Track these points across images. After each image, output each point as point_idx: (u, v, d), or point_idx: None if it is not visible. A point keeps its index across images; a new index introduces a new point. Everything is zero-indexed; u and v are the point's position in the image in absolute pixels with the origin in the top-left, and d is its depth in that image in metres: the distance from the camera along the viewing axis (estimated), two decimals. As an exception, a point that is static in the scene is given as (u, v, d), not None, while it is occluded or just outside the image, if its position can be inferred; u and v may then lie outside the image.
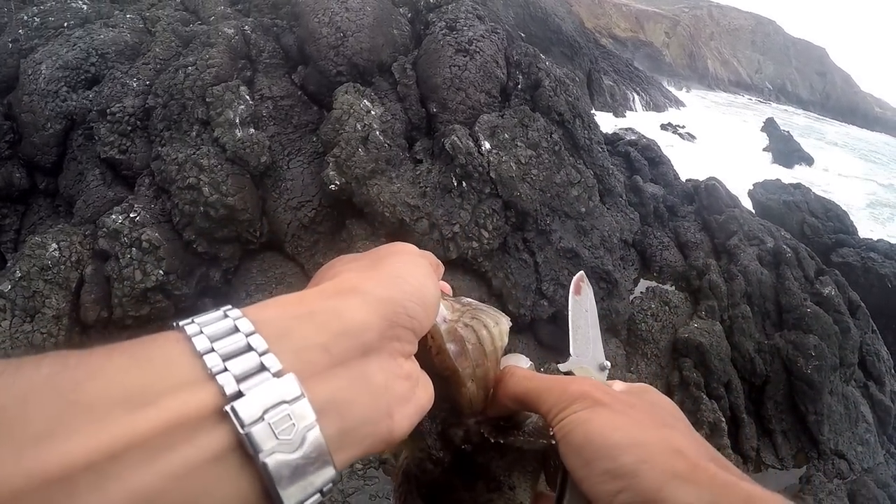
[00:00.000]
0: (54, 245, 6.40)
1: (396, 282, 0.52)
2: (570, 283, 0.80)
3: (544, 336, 6.71)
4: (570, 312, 0.79)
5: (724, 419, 7.17)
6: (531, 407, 0.62)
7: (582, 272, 0.87)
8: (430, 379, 0.56)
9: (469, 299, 0.72)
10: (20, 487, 0.26)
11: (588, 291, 0.82)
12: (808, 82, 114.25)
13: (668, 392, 7.25)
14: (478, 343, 0.64)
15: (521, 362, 0.73)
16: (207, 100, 7.77)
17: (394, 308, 0.49)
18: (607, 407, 0.53)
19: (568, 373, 0.74)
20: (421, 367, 0.55)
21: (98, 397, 0.31)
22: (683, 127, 25.25)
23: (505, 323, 0.70)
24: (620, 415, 0.52)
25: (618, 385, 0.67)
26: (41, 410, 0.29)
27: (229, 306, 0.44)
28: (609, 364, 0.80)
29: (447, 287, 0.72)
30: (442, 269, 0.71)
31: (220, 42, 8.41)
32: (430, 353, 0.62)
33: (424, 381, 0.54)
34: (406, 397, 0.49)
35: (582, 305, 0.80)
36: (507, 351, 0.77)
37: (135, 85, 8.49)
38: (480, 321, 0.66)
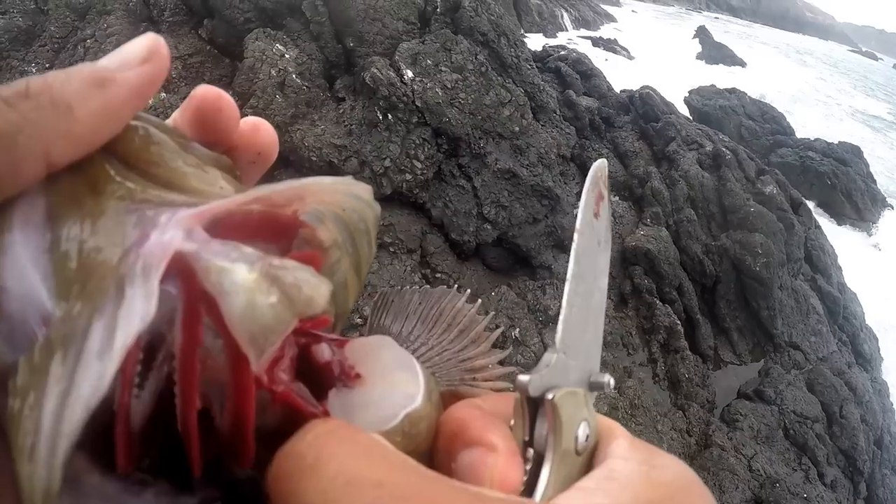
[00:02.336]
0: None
1: None
2: (584, 188, 0.44)
3: (492, 260, 6.66)
4: (574, 248, 0.42)
5: (679, 322, 7.31)
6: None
7: (603, 163, 0.49)
8: None
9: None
10: None
11: (607, 213, 0.48)
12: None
13: (622, 300, 7.33)
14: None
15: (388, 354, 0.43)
16: (111, 68, 7.31)
17: None
18: None
19: (538, 398, 0.38)
20: None
21: None
22: (615, 41, 25.07)
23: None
24: None
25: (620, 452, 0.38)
26: None
27: None
28: (609, 382, 0.44)
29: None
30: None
31: (116, 8, 7.89)
32: None
33: None
34: None
35: (595, 239, 0.45)
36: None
37: (34, 70, 7.94)
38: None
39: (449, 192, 6.38)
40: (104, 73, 0.34)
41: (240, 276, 0.28)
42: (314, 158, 6.19)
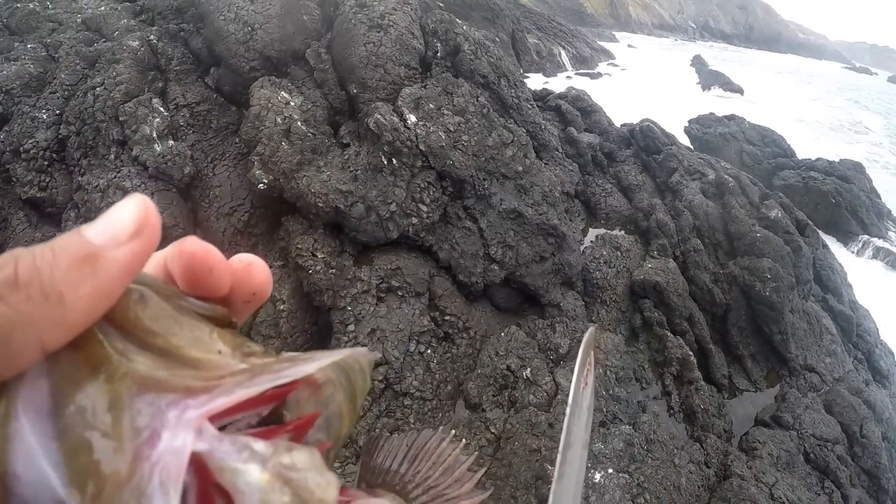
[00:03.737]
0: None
1: None
2: (578, 357, 0.53)
3: (500, 301, 6.63)
4: (566, 421, 0.50)
5: (691, 352, 7.24)
6: None
7: (593, 332, 0.57)
8: None
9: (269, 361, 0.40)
10: None
11: (592, 380, 0.55)
12: (729, 17, 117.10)
13: (633, 334, 7.29)
14: None
15: None
16: (121, 119, 7.43)
17: None
18: None
19: None
20: None
21: None
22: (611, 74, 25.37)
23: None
24: None
25: None
26: None
27: None
28: None
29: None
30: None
31: (125, 57, 8.05)
32: None
33: None
34: None
35: (583, 407, 0.54)
36: None
37: (45, 117, 8.05)
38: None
39: (455, 234, 6.39)
40: (93, 250, 0.33)
41: (253, 476, 0.30)
42: (320, 204, 6.24)
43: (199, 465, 0.30)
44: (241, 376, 0.35)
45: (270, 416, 0.37)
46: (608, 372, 6.38)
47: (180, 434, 0.30)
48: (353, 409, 0.44)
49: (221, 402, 0.32)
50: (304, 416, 0.38)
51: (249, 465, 0.30)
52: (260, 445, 0.32)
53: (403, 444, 0.66)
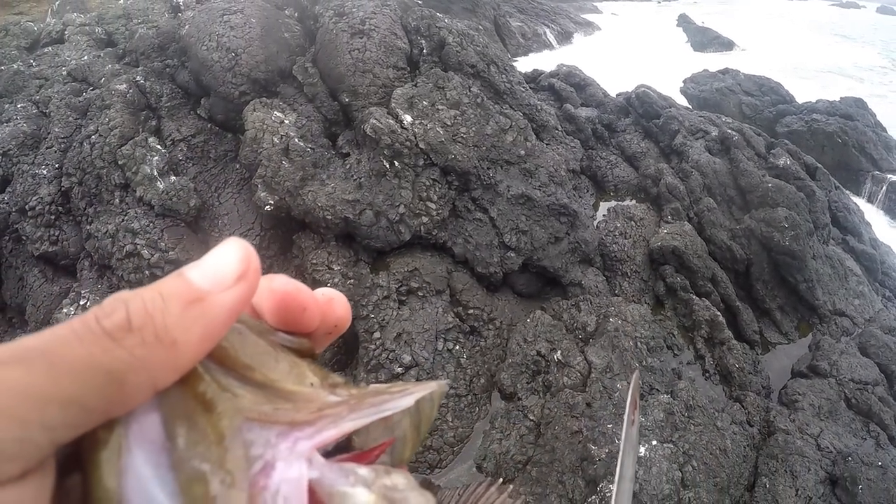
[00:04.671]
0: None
1: None
2: (627, 399, 0.58)
3: (521, 287, 6.61)
4: (620, 458, 0.56)
5: (719, 313, 7.17)
6: None
7: (637, 375, 0.63)
8: None
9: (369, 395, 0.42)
10: None
11: (638, 416, 0.63)
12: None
13: (658, 303, 7.23)
14: None
15: None
16: (119, 162, 7.48)
17: None
18: None
19: None
20: None
21: None
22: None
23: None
24: None
25: None
26: None
27: None
28: None
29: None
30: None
31: (115, 101, 8.10)
32: None
33: None
34: None
35: (633, 443, 0.61)
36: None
37: (45, 172, 8.14)
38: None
39: (467, 228, 6.37)
40: (200, 294, 0.34)
41: (361, 498, 0.32)
42: (329, 217, 6.24)
43: (310, 493, 0.32)
44: (341, 408, 0.38)
45: (342, 442, 0.39)
46: (638, 343, 6.33)
47: (294, 464, 0.32)
48: (417, 435, 0.45)
49: (330, 433, 0.35)
50: (383, 442, 0.41)
51: (357, 488, 0.33)
52: (364, 471, 0.34)
53: (454, 493, 0.69)
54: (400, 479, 0.35)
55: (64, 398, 0.30)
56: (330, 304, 0.47)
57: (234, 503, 0.31)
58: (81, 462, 0.33)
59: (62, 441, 0.31)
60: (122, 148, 7.54)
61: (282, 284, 0.43)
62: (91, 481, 0.32)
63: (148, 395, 0.33)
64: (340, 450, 0.39)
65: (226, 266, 0.36)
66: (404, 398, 0.40)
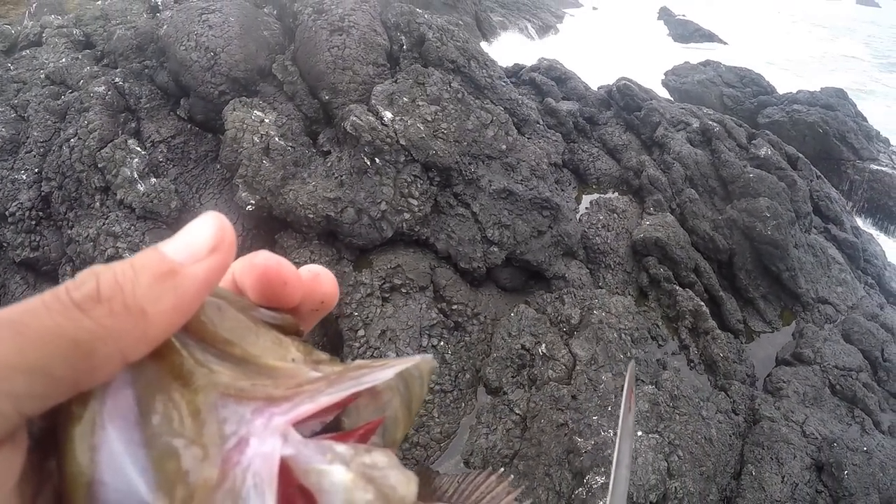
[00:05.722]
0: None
1: None
2: (624, 388, 0.55)
3: (505, 281, 6.62)
4: (617, 442, 0.54)
5: (702, 303, 7.22)
6: None
7: (633, 365, 0.64)
8: None
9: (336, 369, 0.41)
10: None
11: (634, 404, 0.62)
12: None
13: (642, 294, 7.27)
14: None
15: None
16: (99, 165, 7.41)
17: None
18: None
19: None
20: None
21: None
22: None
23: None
24: None
25: None
26: None
27: None
28: None
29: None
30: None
31: (94, 103, 8.01)
32: None
33: None
34: None
35: (629, 431, 0.62)
36: None
37: (24, 177, 8.04)
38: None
39: (450, 223, 6.37)
40: (172, 266, 0.34)
41: (338, 476, 0.31)
42: (311, 215, 6.22)
43: (282, 469, 0.32)
44: (319, 384, 0.37)
45: (331, 423, 0.38)
46: (623, 335, 6.36)
47: (268, 440, 0.32)
48: (409, 415, 0.44)
49: (305, 408, 0.34)
50: (371, 421, 0.40)
51: (334, 465, 0.32)
52: (342, 448, 0.33)
53: (453, 480, 0.68)
54: (381, 458, 0.34)
55: (30, 367, 0.29)
56: (316, 279, 0.46)
57: (206, 478, 0.30)
58: (56, 438, 0.33)
59: (30, 412, 0.31)
60: (102, 151, 7.48)
61: (263, 259, 0.43)
62: (64, 457, 0.32)
63: (117, 366, 0.32)
64: (329, 431, 0.38)
65: (199, 238, 0.36)
66: (385, 370, 0.39)
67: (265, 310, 0.43)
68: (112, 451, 0.31)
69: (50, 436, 0.33)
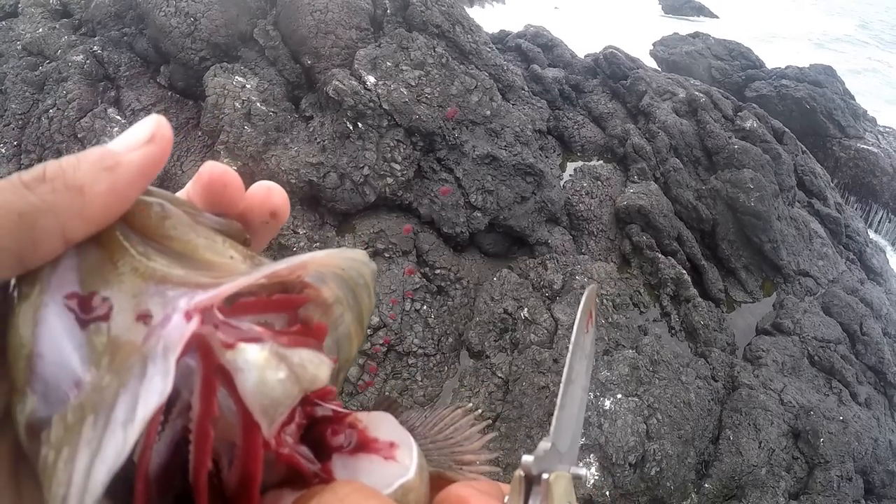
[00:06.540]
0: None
1: None
2: (579, 309, 0.56)
3: (488, 247, 6.64)
4: (568, 359, 0.52)
5: (684, 271, 7.27)
6: None
7: (594, 288, 0.62)
8: None
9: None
10: None
11: (593, 329, 0.60)
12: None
13: (624, 261, 7.32)
14: None
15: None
16: (79, 135, 7.33)
17: None
18: None
19: (536, 476, 0.41)
20: None
21: None
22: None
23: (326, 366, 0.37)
24: None
25: None
26: None
27: None
28: (585, 475, 0.52)
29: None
30: None
31: (72, 73, 7.89)
32: None
33: None
34: None
35: (585, 351, 0.58)
36: None
37: (4, 151, 7.93)
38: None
39: (433, 188, 6.36)
40: (111, 155, 0.38)
41: (252, 354, 0.33)
42: (293, 181, 6.18)
43: (205, 350, 0.33)
44: (245, 270, 0.40)
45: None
46: (605, 301, 6.41)
47: (188, 315, 0.34)
48: (360, 329, 0.45)
49: (225, 288, 0.35)
50: (315, 323, 0.40)
51: (249, 344, 0.33)
52: (260, 329, 0.35)
53: (420, 414, 0.69)
54: (303, 351, 0.35)
55: None
56: (267, 191, 0.49)
57: (126, 349, 0.33)
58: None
59: None
60: (82, 120, 7.40)
61: (208, 167, 0.46)
62: (9, 330, 0.35)
63: (58, 243, 0.35)
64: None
65: (137, 132, 0.40)
66: (304, 256, 0.40)
67: (211, 215, 0.45)
68: (51, 326, 0.34)
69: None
